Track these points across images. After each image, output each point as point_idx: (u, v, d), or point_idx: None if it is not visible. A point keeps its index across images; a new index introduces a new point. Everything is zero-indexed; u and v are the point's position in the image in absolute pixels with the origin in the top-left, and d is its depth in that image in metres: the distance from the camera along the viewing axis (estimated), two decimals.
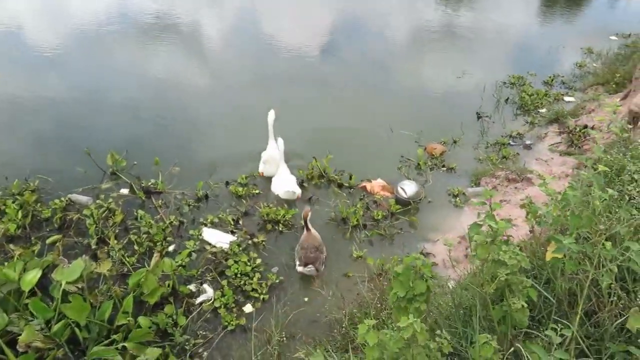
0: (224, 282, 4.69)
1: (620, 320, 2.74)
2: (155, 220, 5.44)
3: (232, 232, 5.40)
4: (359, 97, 8.69)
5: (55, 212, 5.42)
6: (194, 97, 8.38)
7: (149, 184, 6.06)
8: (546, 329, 2.92)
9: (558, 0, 16.14)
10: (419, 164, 6.74)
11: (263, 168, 6.33)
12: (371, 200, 6.02)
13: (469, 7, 14.59)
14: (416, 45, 11.67)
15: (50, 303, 3.98)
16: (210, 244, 5.16)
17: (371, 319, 2.68)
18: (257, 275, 4.83)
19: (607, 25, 13.10)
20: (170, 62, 9.67)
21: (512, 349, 2.64)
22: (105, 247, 4.97)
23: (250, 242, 5.31)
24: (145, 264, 4.72)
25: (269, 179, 6.25)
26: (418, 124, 7.64)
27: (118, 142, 6.79)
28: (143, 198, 5.84)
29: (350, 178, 6.33)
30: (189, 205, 5.74)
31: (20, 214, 5.23)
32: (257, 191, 6.10)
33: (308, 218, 5.01)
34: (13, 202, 5.38)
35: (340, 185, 6.32)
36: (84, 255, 4.36)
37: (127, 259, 4.85)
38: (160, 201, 5.83)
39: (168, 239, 5.23)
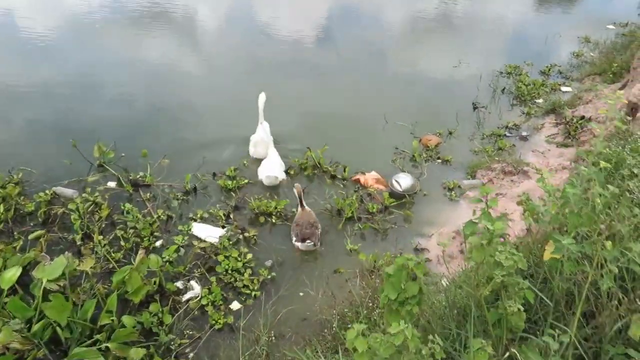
0: (213, 279, 4.57)
1: (620, 323, 2.64)
2: (142, 214, 5.29)
3: (223, 227, 5.26)
4: (354, 85, 8.54)
5: (39, 206, 5.25)
6: (186, 86, 8.20)
7: (137, 176, 5.90)
8: (543, 330, 2.83)
9: None
10: (413, 155, 6.61)
11: (253, 151, 6.33)
12: (365, 193, 5.89)
13: None
14: (412, 33, 11.49)
15: (31, 302, 3.85)
16: (199, 239, 5.04)
17: (361, 323, 2.57)
18: (249, 271, 4.70)
19: (604, 14, 12.95)
20: (162, 51, 9.44)
21: (508, 353, 2.53)
22: (90, 243, 4.82)
23: (241, 236, 5.18)
24: (132, 260, 4.56)
25: (258, 164, 6.16)
26: (413, 114, 7.50)
27: (107, 132, 6.58)
28: (130, 191, 5.68)
29: (345, 170, 6.20)
30: (177, 199, 5.59)
31: (2, 208, 5.07)
32: (245, 181, 5.96)
33: (303, 195, 5.11)
34: None
35: (333, 177, 6.19)
36: (66, 252, 4.22)
37: (113, 254, 4.71)
38: (148, 194, 5.68)
39: (155, 234, 5.08)
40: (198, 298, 4.33)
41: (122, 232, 5.01)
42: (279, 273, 4.76)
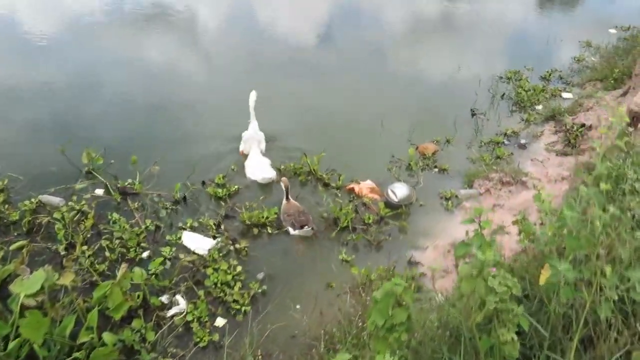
0: (202, 293, 4.42)
1: (620, 353, 2.50)
2: (130, 224, 5.15)
3: (214, 237, 5.11)
4: (353, 86, 8.41)
5: (23, 215, 5.12)
6: (185, 86, 8.08)
7: (126, 184, 5.75)
8: (539, 356, 2.69)
9: None
10: (409, 164, 6.46)
11: (244, 147, 6.41)
12: (360, 203, 5.75)
13: None
14: (412, 37, 11.33)
15: (9, 317, 3.71)
16: (188, 251, 4.90)
17: (347, 346, 2.43)
18: (238, 284, 4.56)
19: (606, 18, 12.78)
20: (161, 51, 9.32)
21: None
22: (74, 254, 4.67)
23: (232, 247, 5.03)
24: (116, 272, 4.42)
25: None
26: (411, 119, 7.36)
27: (100, 136, 6.50)
28: (118, 200, 5.54)
29: (339, 179, 6.06)
30: (166, 209, 5.45)
31: None
32: (235, 187, 5.82)
33: (289, 188, 5.29)
34: None
35: (326, 185, 6.05)
36: (46, 265, 4.07)
37: (97, 266, 4.58)
38: (136, 203, 5.53)
39: (142, 244, 4.94)
40: (183, 314, 4.18)
41: (108, 242, 4.87)
42: (269, 286, 4.62)
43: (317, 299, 4.40)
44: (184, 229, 5.21)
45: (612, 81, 8.37)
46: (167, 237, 5.07)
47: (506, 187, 5.86)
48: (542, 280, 2.58)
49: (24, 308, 3.66)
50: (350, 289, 4.46)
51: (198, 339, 4.00)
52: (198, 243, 4.96)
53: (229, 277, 4.59)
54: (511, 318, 2.48)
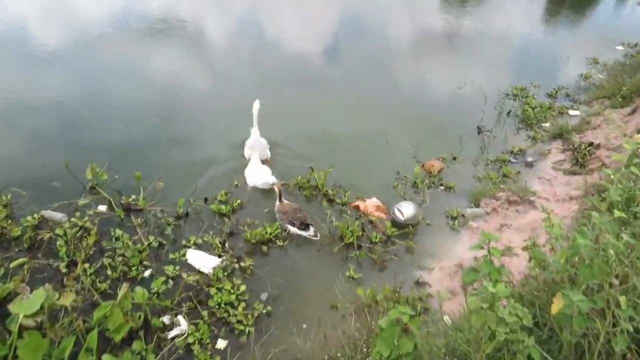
0: (205, 313, 4.34)
1: None
2: (133, 241, 5.10)
3: (220, 255, 5.04)
4: (356, 103, 8.42)
5: (25, 231, 5.07)
6: (188, 101, 8.09)
7: (130, 200, 5.71)
8: None
9: (562, 8, 15.83)
10: (415, 181, 6.39)
11: (249, 153, 6.59)
12: (367, 221, 5.68)
13: (472, 15, 14.25)
14: (418, 53, 11.34)
15: (7, 338, 3.65)
16: (193, 269, 4.83)
17: None
18: (242, 304, 4.48)
19: (613, 34, 12.76)
20: (169, 65, 9.37)
21: None
22: (75, 272, 4.61)
23: (237, 265, 4.96)
24: (118, 291, 4.36)
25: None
26: (416, 135, 7.34)
27: (105, 150, 6.50)
28: (122, 216, 5.49)
29: (345, 195, 6.00)
30: (169, 225, 5.39)
31: None
32: (238, 201, 5.77)
33: (282, 191, 5.54)
34: None
35: (330, 201, 5.99)
36: (46, 284, 4.00)
37: (98, 284, 4.51)
38: (140, 219, 5.48)
39: (144, 262, 4.87)
40: (184, 335, 4.10)
41: (110, 260, 4.80)
42: (273, 307, 4.54)
43: (321, 320, 4.31)
44: (188, 246, 5.15)
45: (619, 99, 8.31)
46: (171, 255, 5.00)
47: (513, 207, 5.77)
48: (555, 309, 2.50)
49: (22, 329, 3.60)
50: (355, 310, 4.37)
51: None
52: (203, 261, 4.89)
53: (233, 297, 4.51)
54: (522, 349, 2.40)
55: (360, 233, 5.40)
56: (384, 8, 14.57)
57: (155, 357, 3.87)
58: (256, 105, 6.54)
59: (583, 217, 4.43)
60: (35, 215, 5.26)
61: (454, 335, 3.40)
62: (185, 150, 6.76)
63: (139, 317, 4.10)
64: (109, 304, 3.81)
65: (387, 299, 4.34)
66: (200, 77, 9.22)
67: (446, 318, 3.92)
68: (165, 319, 4.23)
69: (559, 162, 6.84)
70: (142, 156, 6.58)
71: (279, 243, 5.29)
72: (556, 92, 9.13)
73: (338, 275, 4.93)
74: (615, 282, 2.46)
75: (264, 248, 5.21)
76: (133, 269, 4.76)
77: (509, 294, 2.10)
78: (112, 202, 5.65)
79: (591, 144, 6.87)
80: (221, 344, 4.10)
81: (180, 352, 4.00)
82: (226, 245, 5.21)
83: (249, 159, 6.50)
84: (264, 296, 4.65)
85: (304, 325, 4.31)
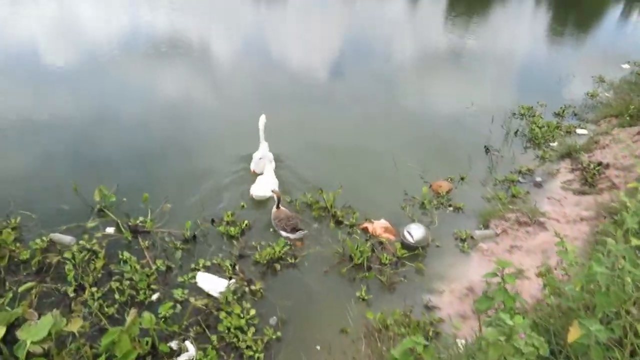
0: (214, 338, 4.29)
1: None
2: (141, 264, 5.08)
3: (230, 278, 5.00)
4: (362, 122, 8.45)
5: (34, 254, 5.06)
6: (195, 121, 8.15)
7: (138, 221, 5.70)
8: None
9: (566, 26, 15.91)
10: (423, 202, 6.36)
11: (255, 166, 6.73)
12: (377, 242, 5.64)
13: (476, 34, 14.35)
14: (424, 73, 11.42)
15: None
16: (202, 292, 4.79)
17: None
18: (252, 329, 4.42)
19: (617, 52, 12.82)
20: (176, 85, 9.49)
21: None
22: (83, 296, 4.59)
23: (247, 288, 4.91)
24: (126, 315, 4.33)
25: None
26: (423, 155, 7.34)
27: (110, 172, 6.50)
28: (129, 238, 5.48)
29: (353, 216, 5.97)
30: (177, 248, 5.37)
31: None
32: (246, 222, 5.76)
33: (280, 198, 5.75)
34: None
35: (339, 222, 5.96)
36: (54, 310, 3.98)
37: (106, 309, 4.48)
38: (147, 242, 5.47)
39: (152, 286, 4.83)
40: None
41: (118, 284, 4.78)
42: (282, 331, 4.48)
43: (331, 346, 4.25)
44: (196, 269, 5.11)
45: (627, 118, 8.29)
46: (179, 279, 4.96)
47: (523, 228, 5.71)
48: (571, 338, 2.45)
49: (30, 355, 3.58)
50: (365, 334, 4.31)
51: None
52: (213, 284, 4.85)
53: (243, 322, 4.46)
54: None
55: (370, 254, 5.36)
56: (390, 27, 14.73)
57: None
58: (262, 119, 6.69)
59: (596, 241, 4.38)
60: (44, 238, 5.26)
61: None
62: (193, 170, 6.77)
63: (147, 342, 4.06)
64: (116, 330, 3.77)
65: (397, 324, 4.29)
66: (207, 97, 9.30)
67: (459, 341, 3.85)
68: (173, 345, 4.18)
69: (568, 182, 6.80)
70: (150, 177, 6.61)
71: (289, 260, 5.26)
72: (563, 111, 9.13)
73: (347, 297, 4.88)
74: (634, 310, 2.42)
75: (277, 266, 5.20)
76: (141, 292, 4.72)
77: (527, 326, 2.06)
78: (120, 224, 5.65)
79: (600, 163, 6.83)
80: None
81: None
82: (236, 267, 5.17)
83: (254, 172, 6.70)
84: (273, 320, 4.59)
85: (317, 348, 4.25)
